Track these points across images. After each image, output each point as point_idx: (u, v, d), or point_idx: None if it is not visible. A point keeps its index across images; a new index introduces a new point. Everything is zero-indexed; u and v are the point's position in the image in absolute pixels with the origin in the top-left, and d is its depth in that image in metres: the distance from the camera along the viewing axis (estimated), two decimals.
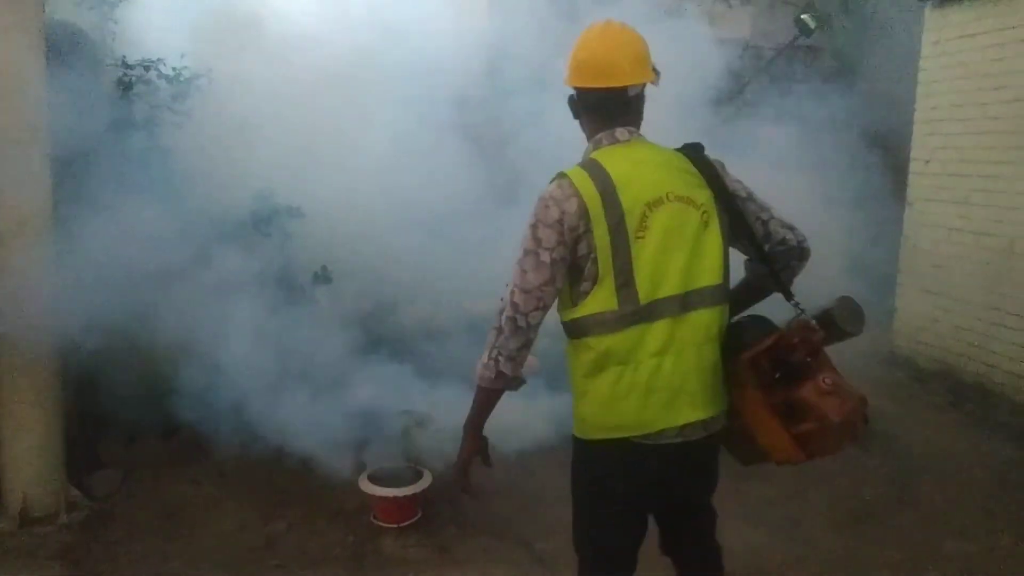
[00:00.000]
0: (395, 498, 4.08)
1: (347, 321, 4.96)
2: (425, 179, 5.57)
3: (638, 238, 2.28)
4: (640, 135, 2.46)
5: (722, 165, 2.48)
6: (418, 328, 5.48)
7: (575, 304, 2.33)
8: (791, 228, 2.48)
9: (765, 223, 2.46)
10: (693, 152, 2.45)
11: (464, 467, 2.55)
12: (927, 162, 6.88)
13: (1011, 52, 5.94)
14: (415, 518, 4.13)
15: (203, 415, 4.35)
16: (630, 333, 2.29)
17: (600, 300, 2.29)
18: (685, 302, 2.32)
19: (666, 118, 5.18)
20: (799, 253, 2.47)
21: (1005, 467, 5.08)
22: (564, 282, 2.34)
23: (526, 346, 2.39)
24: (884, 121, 8.02)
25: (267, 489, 4.43)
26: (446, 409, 4.18)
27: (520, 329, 2.35)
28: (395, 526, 4.07)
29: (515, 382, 2.45)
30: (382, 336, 5.12)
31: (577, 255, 2.30)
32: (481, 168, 6.02)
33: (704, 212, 2.36)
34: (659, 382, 2.30)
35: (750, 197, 2.48)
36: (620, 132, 2.42)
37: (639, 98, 2.44)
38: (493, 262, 5.12)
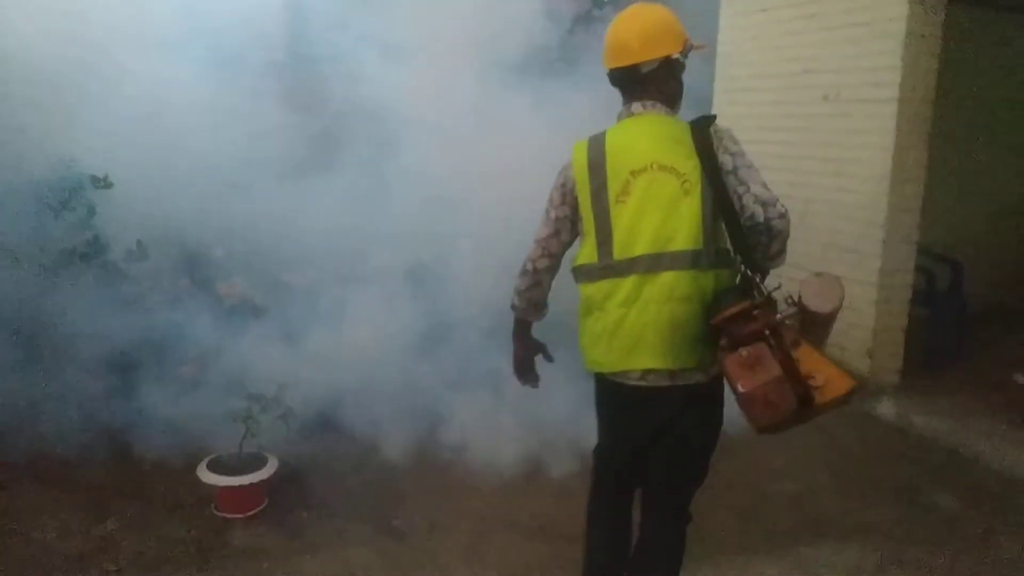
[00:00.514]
0: (239, 487, 3.85)
1: (170, 299, 4.58)
2: (241, 145, 5.22)
3: (619, 202, 2.58)
4: (657, 107, 2.66)
5: (725, 138, 2.57)
6: (243, 305, 5.16)
7: (577, 255, 2.70)
8: (764, 204, 2.47)
9: (740, 197, 2.50)
10: (697, 124, 2.57)
11: (518, 367, 3.01)
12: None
13: (800, 27, 6.42)
14: (262, 506, 3.92)
15: (8, 411, 3.89)
16: (604, 284, 2.61)
17: (586, 254, 2.66)
18: (656, 262, 2.53)
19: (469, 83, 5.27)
20: (767, 230, 2.46)
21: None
22: (572, 236, 2.76)
23: (535, 286, 2.84)
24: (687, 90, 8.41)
25: (94, 488, 4.03)
26: (285, 390, 4.02)
27: (527, 272, 2.83)
28: (241, 516, 3.84)
29: (527, 313, 2.93)
30: (208, 313, 4.78)
31: (577, 214, 2.69)
32: (299, 133, 5.73)
33: (686, 181, 2.52)
34: (622, 330, 2.59)
35: (734, 171, 2.52)
36: (635, 106, 2.68)
37: (657, 73, 2.65)
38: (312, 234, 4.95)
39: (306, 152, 5.64)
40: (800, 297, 2.45)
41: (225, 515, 3.85)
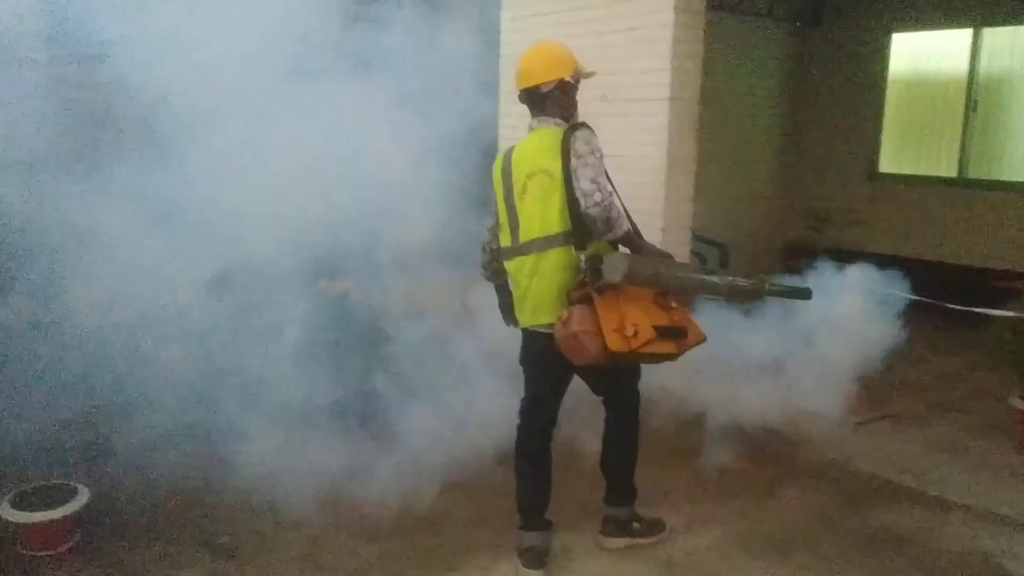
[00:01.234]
0: (47, 522, 3.60)
1: None
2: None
3: (521, 199, 3.42)
4: (545, 122, 3.46)
5: (579, 139, 3.26)
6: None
7: (500, 240, 3.60)
8: (584, 196, 3.20)
9: (574, 189, 3.23)
10: (567, 130, 3.33)
11: (504, 314, 3.89)
12: (515, 128, 7.62)
13: (577, 31, 6.80)
14: (74, 540, 3.70)
15: None
16: (515, 262, 3.50)
17: (503, 238, 3.57)
18: (546, 243, 3.37)
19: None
20: (587, 216, 3.22)
21: None
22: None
23: (492, 260, 3.78)
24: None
25: None
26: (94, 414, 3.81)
27: (484, 250, 3.84)
28: (52, 553, 3.61)
29: (494, 278, 3.87)
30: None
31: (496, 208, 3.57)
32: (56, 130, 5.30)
33: (554, 179, 3.32)
34: (528, 296, 3.48)
35: (574, 168, 3.23)
36: (533, 122, 3.52)
37: (554, 92, 3.44)
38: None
39: (59, 150, 5.26)
40: (602, 271, 3.22)
41: (34, 554, 3.60)
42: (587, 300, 3.22)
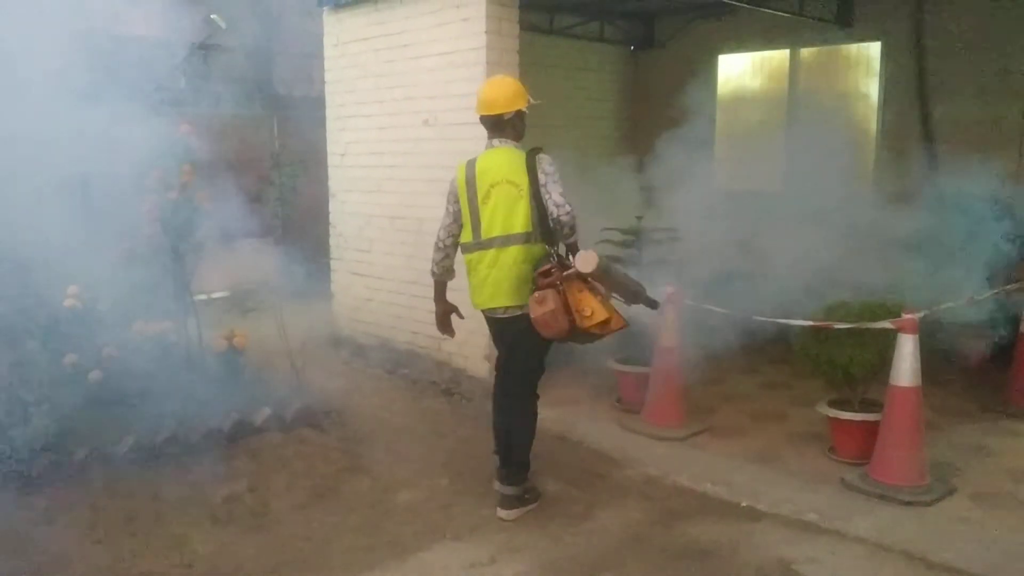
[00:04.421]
0: None
1: None
2: None
3: (484, 204, 4.20)
4: (505, 143, 4.28)
5: (544, 161, 4.11)
6: None
7: (462, 237, 4.35)
8: (557, 207, 4.02)
9: (547, 201, 4.06)
10: (529, 154, 4.15)
11: (439, 322, 4.64)
12: (342, 155, 7.47)
13: (399, 55, 6.73)
14: None
15: None
16: (476, 254, 4.26)
17: (466, 235, 4.31)
18: (506, 241, 4.16)
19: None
20: (558, 222, 4.03)
21: (436, 418, 5.84)
22: (460, 224, 4.34)
23: (446, 258, 4.49)
24: (302, 119, 8.45)
25: None
26: None
27: (439, 248, 4.47)
28: None
29: (443, 276, 4.55)
30: None
31: (459, 210, 4.32)
32: None
33: (521, 190, 4.12)
34: (487, 283, 4.24)
35: (545, 184, 4.07)
36: (495, 142, 4.31)
37: (512, 119, 4.27)
38: None
39: None
40: (573, 262, 4.02)
41: None
42: (554, 286, 4.00)
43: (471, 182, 4.25)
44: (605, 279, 4.13)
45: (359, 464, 4.97)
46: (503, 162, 4.21)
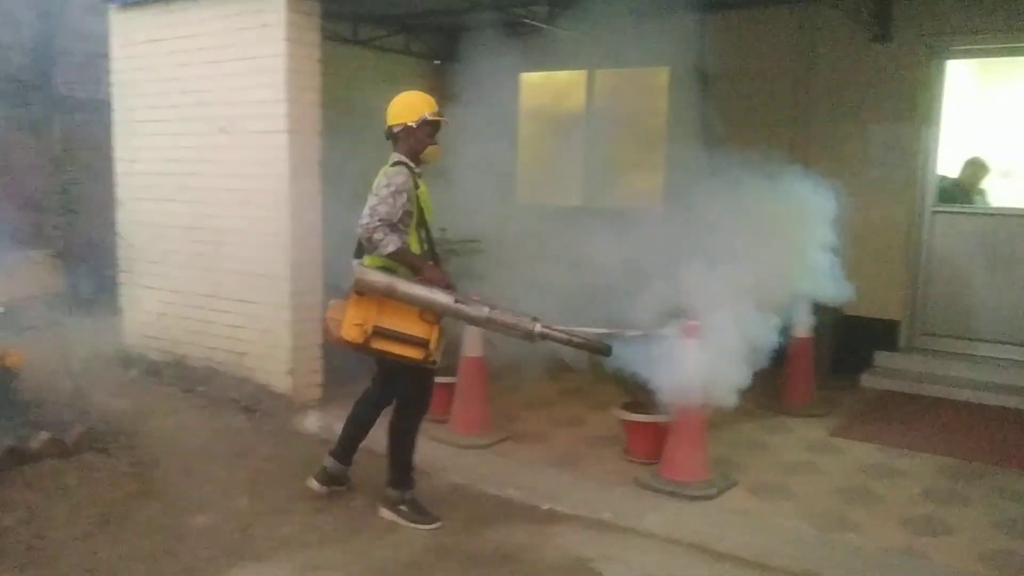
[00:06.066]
0: None
1: None
2: None
3: None
4: (395, 155, 4.29)
5: (382, 175, 4.18)
6: None
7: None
8: (361, 217, 4.05)
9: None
10: (386, 167, 4.24)
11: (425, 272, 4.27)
12: (132, 162, 7.06)
13: (194, 59, 6.45)
14: None
15: None
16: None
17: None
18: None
19: None
20: (359, 235, 4.09)
21: (236, 436, 5.63)
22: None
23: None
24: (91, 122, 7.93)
25: None
26: None
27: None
28: None
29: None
30: None
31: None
32: None
33: None
34: None
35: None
36: (392, 154, 4.31)
37: (400, 133, 4.28)
38: None
39: None
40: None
41: None
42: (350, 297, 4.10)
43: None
44: (395, 297, 4.08)
45: (151, 489, 4.71)
46: (380, 175, 4.26)
